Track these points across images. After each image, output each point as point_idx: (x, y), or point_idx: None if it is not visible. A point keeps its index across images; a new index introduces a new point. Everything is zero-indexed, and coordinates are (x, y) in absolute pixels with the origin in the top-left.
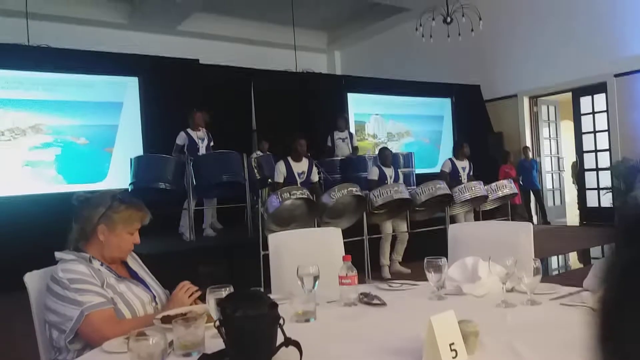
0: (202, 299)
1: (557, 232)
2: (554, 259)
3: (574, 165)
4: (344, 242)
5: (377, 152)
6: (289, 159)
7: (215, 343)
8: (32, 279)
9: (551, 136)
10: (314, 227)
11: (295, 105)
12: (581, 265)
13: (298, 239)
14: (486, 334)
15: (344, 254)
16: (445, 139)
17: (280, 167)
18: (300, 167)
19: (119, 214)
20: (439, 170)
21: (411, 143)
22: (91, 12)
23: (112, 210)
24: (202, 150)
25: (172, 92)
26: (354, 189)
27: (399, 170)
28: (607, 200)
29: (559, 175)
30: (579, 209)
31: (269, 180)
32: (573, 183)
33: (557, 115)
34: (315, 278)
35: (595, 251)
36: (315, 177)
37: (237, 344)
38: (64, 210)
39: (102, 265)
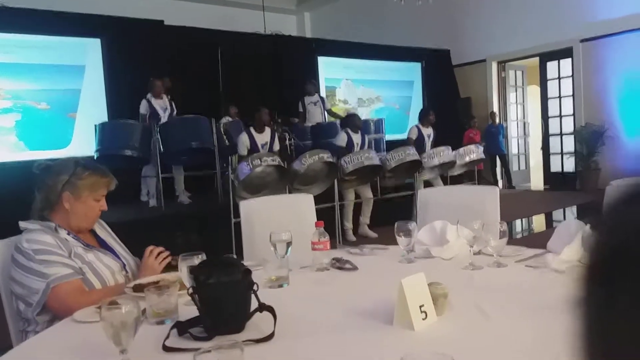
0: (176, 267)
1: (522, 196)
2: (519, 222)
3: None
4: (316, 209)
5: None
6: (252, 129)
7: (188, 310)
8: None
9: (518, 101)
10: (285, 194)
11: (264, 69)
12: (545, 228)
13: (270, 206)
14: (455, 295)
15: (315, 220)
16: (415, 104)
17: (244, 139)
18: (263, 137)
19: (84, 181)
20: None
21: (381, 109)
22: None
23: (76, 177)
24: (165, 120)
25: (136, 55)
26: (325, 156)
27: (367, 137)
28: (570, 165)
29: (525, 140)
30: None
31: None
32: (541, 148)
33: (524, 81)
34: (288, 244)
35: (557, 214)
36: (276, 146)
37: (211, 311)
38: (27, 178)
39: (68, 234)
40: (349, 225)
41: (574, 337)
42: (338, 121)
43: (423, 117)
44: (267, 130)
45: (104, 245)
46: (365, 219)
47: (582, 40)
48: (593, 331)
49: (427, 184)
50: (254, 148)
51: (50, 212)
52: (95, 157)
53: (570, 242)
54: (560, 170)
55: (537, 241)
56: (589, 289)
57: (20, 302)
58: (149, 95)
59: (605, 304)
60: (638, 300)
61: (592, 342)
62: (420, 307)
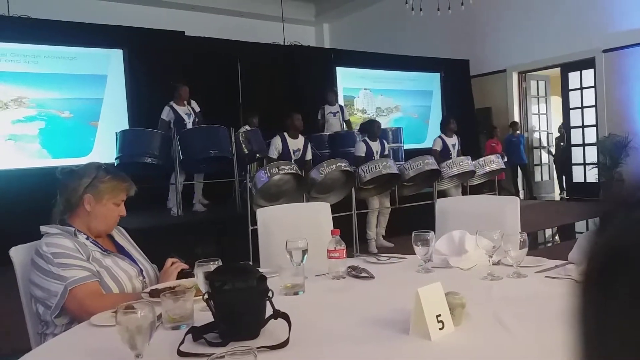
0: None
1: (543, 207)
2: (540, 233)
3: (558, 139)
4: (333, 217)
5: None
6: (286, 134)
7: (204, 316)
8: (18, 254)
9: (540, 111)
10: (303, 202)
11: (283, 79)
12: (566, 239)
13: (287, 214)
14: (473, 305)
15: (332, 228)
16: (434, 114)
17: (276, 142)
18: (296, 144)
19: (105, 184)
20: (427, 146)
21: (400, 118)
22: None
23: (97, 180)
24: (189, 126)
25: (157, 65)
26: (343, 164)
27: (387, 146)
28: (592, 176)
29: (547, 150)
30: (562, 183)
31: (257, 155)
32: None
33: (546, 91)
34: (304, 252)
35: (580, 225)
36: (309, 156)
37: (226, 317)
38: (49, 185)
39: (87, 239)
40: (372, 235)
41: (572, 342)
42: (356, 131)
43: (444, 127)
44: (301, 137)
45: (121, 251)
46: (381, 229)
47: (605, 51)
48: (590, 335)
49: (440, 194)
50: (285, 153)
51: (70, 216)
52: (115, 164)
53: None
54: (582, 180)
55: (559, 252)
56: (586, 292)
57: (40, 305)
58: (172, 102)
59: (603, 307)
60: (635, 304)
61: (589, 346)
62: (437, 317)
